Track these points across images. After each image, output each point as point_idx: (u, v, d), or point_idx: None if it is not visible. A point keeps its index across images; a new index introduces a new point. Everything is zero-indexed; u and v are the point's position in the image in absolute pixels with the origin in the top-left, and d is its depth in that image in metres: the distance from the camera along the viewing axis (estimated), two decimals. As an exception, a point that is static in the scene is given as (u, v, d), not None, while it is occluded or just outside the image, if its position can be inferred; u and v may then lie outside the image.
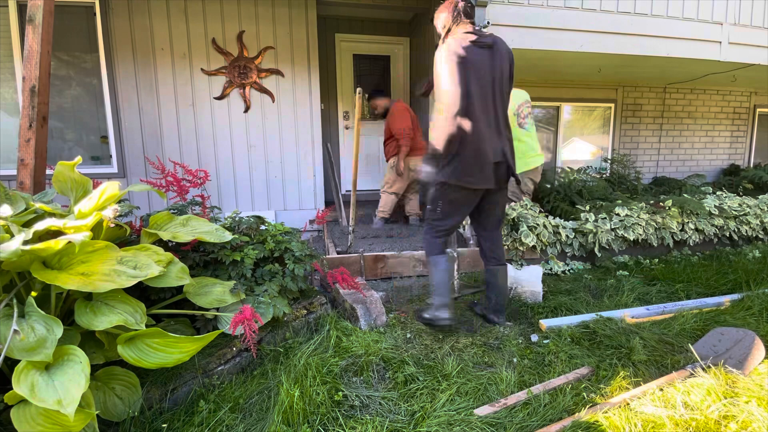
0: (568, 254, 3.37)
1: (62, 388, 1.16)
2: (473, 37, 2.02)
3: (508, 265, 2.73)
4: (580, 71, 4.99)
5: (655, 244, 3.51)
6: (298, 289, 2.21)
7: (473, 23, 2.10)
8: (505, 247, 3.20)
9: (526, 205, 3.41)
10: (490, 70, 2.03)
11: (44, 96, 2.25)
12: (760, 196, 4.14)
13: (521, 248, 3.22)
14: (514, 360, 1.92)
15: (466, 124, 2.01)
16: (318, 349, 1.89)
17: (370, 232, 3.84)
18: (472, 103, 2.00)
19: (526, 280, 2.62)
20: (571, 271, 3.27)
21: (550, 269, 3.22)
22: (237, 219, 2.41)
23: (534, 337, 2.14)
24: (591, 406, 1.54)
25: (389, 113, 3.87)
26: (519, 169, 3.64)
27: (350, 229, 3.17)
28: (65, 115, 3.86)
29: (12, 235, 1.34)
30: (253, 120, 4.13)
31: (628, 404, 1.56)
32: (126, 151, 3.89)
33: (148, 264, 1.54)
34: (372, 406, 1.58)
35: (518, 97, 3.41)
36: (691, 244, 3.63)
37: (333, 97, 5.22)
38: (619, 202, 3.74)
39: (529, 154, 3.54)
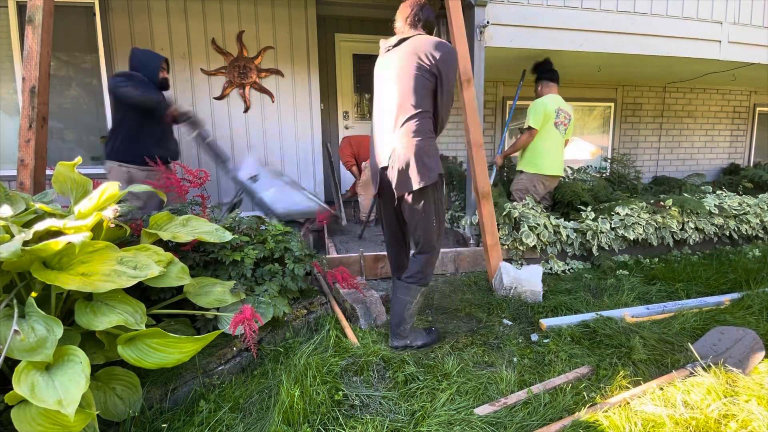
0: (569, 254, 3.37)
1: (62, 389, 1.16)
2: (382, 46, 2.08)
3: (509, 265, 2.73)
4: (580, 70, 4.99)
5: (655, 244, 3.51)
6: (298, 288, 2.21)
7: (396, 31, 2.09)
8: (506, 246, 3.20)
9: (528, 204, 3.41)
10: (389, 70, 1.98)
11: (44, 96, 2.25)
12: (760, 195, 4.14)
13: (521, 248, 3.22)
14: (514, 359, 1.92)
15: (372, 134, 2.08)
16: (318, 348, 1.89)
17: (369, 233, 3.84)
18: (373, 112, 2.08)
19: (526, 279, 2.62)
20: (571, 270, 3.27)
21: (550, 269, 3.22)
22: (237, 219, 2.41)
23: (534, 337, 2.14)
24: (591, 406, 1.55)
25: None
26: (526, 168, 3.66)
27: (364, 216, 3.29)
28: (65, 115, 3.86)
29: (12, 236, 1.34)
30: (253, 120, 4.13)
31: (628, 403, 1.56)
32: (126, 151, 3.88)
33: (148, 264, 1.54)
34: (372, 405, 1.58)
35: (560, 103, 3.61)
36: (691, 243, 3.63)
37: (333, 97, 5.22)
38: (620, 201, 3.74)
39: (543, 158, 3.61)
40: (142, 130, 2.78)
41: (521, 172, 3.71)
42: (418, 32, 1.99)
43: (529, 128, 3.54)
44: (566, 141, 3.79)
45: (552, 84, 3.68)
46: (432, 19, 2.07)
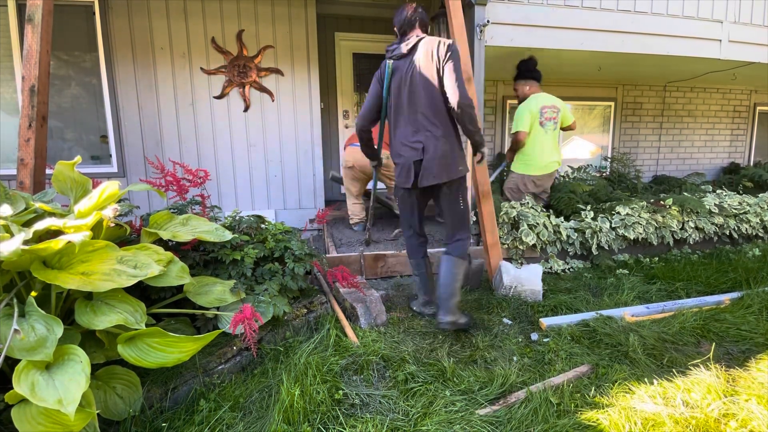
0: (569, 253, 3.37)
1: (63, 388, 1.16)
2: (386, 52, 2.29)
3: (509, 264, 2.73)
4: (580, 70, 4.99)
5: (655, 243, 3.51)
6: (298, 288, 2.21)
7: (401, 35, 2.26)
8: (505, 246, 3.20)
9: (527, 203, 3.41)
10: (404, 75, 2.17)
11: (44, 96, 2.25)
12: (760, 195, 4.14)
13: (521, 247, 3.22)
14: (514, 358, 1.93)
15: (391, 132, 2.30)
16: (318, 347, 1.89)
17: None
18: (389, 113, 2.29)
19: (526, 278, 2.62)
20: (571, 269, 3.27)
21: (550, 268, 3.22)
22: (237, 218, 2.41)
23: (534, 336, 2.14)
24: (591, 404, 1.55)
25: None
26: (515, 168, 3.69)
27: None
28: (65, 114, 3.86)
29: (12, 235, 1.34)
30: (253, 119, 4.13)
31: (628, 402, 1.56)
32: (126, 150, 3.88)
33: (148, 263, 1.54)
34: (372, 404, 1.58)
35: (543, 100, 3.63)
36: (691, 242, 3.63)
37: (333, 96, 5.22)
38: (621, 201, 3.74)
39: (530, 158, 3.64)
40: None
41: (512, 172, 3.79)
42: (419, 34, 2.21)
43: (517, 133, 3.61)
44: (569, 127, 3.81)
45: (534, 82, 3.71)
46: (427, 20, 2.26)
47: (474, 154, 2.40)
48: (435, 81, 2.08)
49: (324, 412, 1.49)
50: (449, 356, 1.92)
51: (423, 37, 2.15)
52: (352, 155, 3.64)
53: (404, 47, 2.15)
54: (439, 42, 2.08)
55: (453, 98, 2.02)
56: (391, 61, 2.21)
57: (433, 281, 2.42)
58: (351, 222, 3.88)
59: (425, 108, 2.12)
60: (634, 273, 3.09)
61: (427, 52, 2.09)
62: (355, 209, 3.84)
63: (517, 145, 3.67)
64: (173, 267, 1.73)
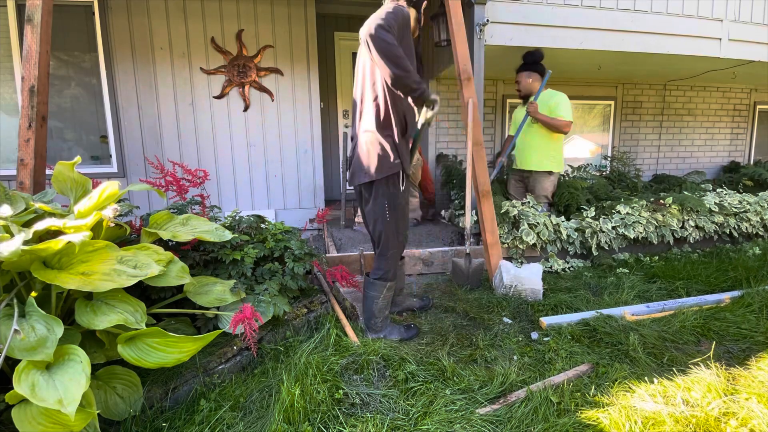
0: (569, 252, 3.37)
1: (63, 388, 1.16)
2: None
3: (509, 263, 2.73)
4: (580, 69, 4.98)
5: (656, 242, 3.51)
6: (298, 287, 2.21)
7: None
8: (505, 245, 3.20)
9: (528, 203, 3.40)
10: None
11: (43, 96, 2.25)
12: (760, 193, 4.14)
13: (521, 246, 3.21)
14: (515, 357, 1.93)
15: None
16: (318, 347, 1.89)
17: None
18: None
19: (527, 277, 2.62)
20: (572, 268, 3.27)
21: (550, 267, 3.22)
22: (237, 218, 2.41)
23: (534, 335, 2.14)
24: (591, 403, 1.55)
25: None
26: (555, 168, 3.59)
27: None
28: (65, 114, 3.86)
29: (12, 235, 1.34)
30: (253, 119, 4.13)
31: (628, 401, 1.56)
32: (126, 150, 3.88)
33: (148, 263, 1.54)
34: (372, 404, 1.58)
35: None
36: (692, 241, 3.63)
37: (333, 96, 5.22)
38: (621, 200, 3.74)
39: (562, 153, 3.57)
40: None
41: (550, 173, 3.56)
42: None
43: (569, 123, 3.36)
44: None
45: (537, 76, 3.55)
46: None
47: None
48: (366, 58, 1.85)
49: (324, 411, 1.49)
50: (449, 355, 1.92)
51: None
52: None
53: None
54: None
55: (362, 32, 1.76)
56: None
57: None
58: (357, 220, 3.89)
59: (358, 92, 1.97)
60: (634, 272, 3.09)
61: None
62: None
63: (560, 132, 3.40)
64: (173, 267, 1.73)
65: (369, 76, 1.91)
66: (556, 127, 3.37)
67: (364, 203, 2.06)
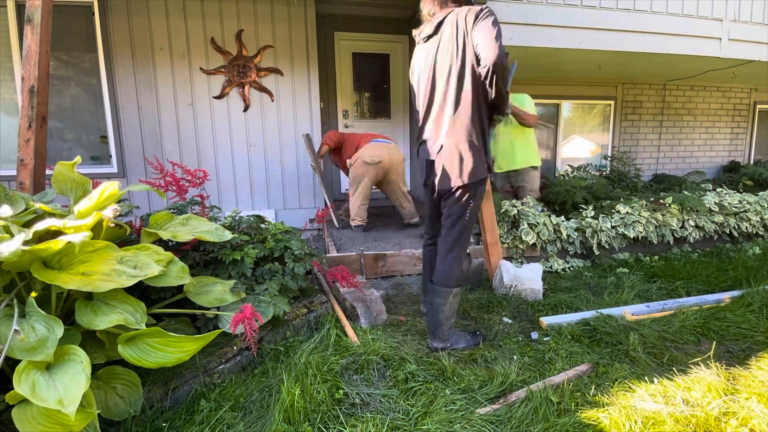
0: (569, 252, 3.37)
1: (63, 388, 1.16)
2: (416, 34, 1.99)
3: (509, 263, 2.73)
4: (580, 68, 4.99)
5: (656, 242, 3.51)
6: (298, 287, 2.21)
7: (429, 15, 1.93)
8: (505, 245, 3.20)
9: (528, 203, 3.40)
10: (428, 63, 1.91)
11: (43, 96, 2.24)
12: (760, 193, 4.14)
13: (521, 246, 3.22)
14: (515, 357, 1.93)
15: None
16: (318, 347, 1.89)
17: (370, 234, 3.84)
18: (416, 109, 2.04)
19: (526, 277, 2.62)
20: (572, 268, 3.27)
21: (550, 267, 3.22)
22: (237, 218, 2.41)
23: (534, 335, 2.14)
24: (591, 403, 1.55)
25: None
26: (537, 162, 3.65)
27: None
28: (65, 115, 3.86)
29: (12, 236, 1.34)
30: (253, 119, 4.13)
31: (628, 401, 1.56)
32: (126, 150, 3.89)
33: (148, 263, 1.54)
34: (373, 404, 1.58)
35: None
36: (691, 241, 3.63)
37: (332, 96, 5.22)
38: (621, 199, 3.74)
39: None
40: None
41: (533, 168, 3.62)
42: (450, 8, 1.85)
43: (534, 116, 3.48)
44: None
45: None
46: None
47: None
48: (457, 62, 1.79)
49: (324, 411, 1.49)
50: (449, 355, 1.92)
51: (452, 11, 1.83)
52: (379, 150, 3.58)
53: (429, 27, 1.90)
54: (468, 9, 1.76)
55: (488, 55, 1.66)
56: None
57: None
58: (353, 224, 3.85)
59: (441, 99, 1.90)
60: (634, 272, 3.09)
61: (452, 26, 1.78)
62: (361, 212, 3.79)
63: (529, 124, 3.45)
64: (173, 267, 1.73)
65: (457, 82, 1.82)
66: (526, 119, 3.43)
67: (437, 207, 2.04)
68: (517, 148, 3.59)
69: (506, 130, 3.58)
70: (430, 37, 1.92)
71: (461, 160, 1.86)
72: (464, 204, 1.91)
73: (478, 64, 1.74)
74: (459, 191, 1.90)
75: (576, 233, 3.33)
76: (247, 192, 4.23)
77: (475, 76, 1.79)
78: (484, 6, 1.75)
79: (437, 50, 1.87)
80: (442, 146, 1.90)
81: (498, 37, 1.68)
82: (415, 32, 2.02)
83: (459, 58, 1.79)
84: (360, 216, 3.79)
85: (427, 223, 2.25)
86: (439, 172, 1.93)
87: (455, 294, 1.98)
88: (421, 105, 2.00)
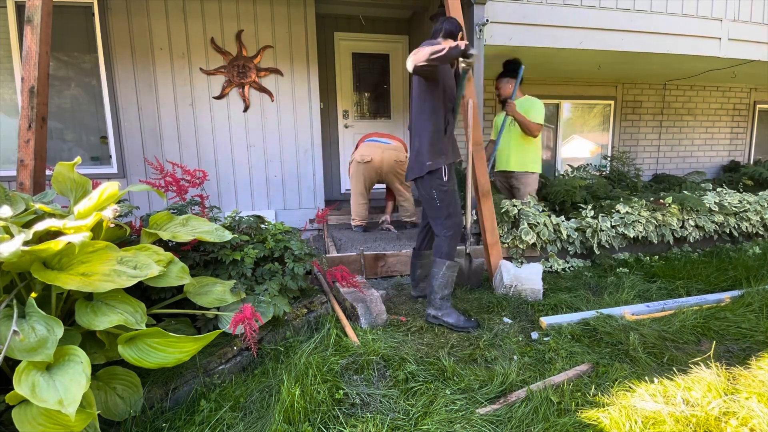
0: (569, 252, 3.37)
1: (63, 388, 1.16)
2: None
3: (509, 263, 2.73)
4: (580, 68, 4.99)
5: (656, 241, 3.51)
6: (298, 287, 2.21)
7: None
8: (505, 245, 3.20)
9: (529, 203, 3.40)
10: None
11: (43, 97, 2.25)
12: (760, 193, 4.14)
13: (521, 246, 3.22)
14: (515, 357, 1.93)
15: None
16: (318, 347, 1.89)
17: (370, 234, 3.84)
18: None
19: (527, 277, 2.62)
20: (572, 268, 3.27)
21: (550, 267, 3.22)
22: (237, 218, 2.41)
23: (534, 335, 2.14)
24: (591, 403, 1.55)
25: None
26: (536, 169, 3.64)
27: None
28: (65, 115, 3.86)
29: (12, 236, 1.34)
30: (253, 119, 4.13)
31: (628, 400, 1.56)
32: (125, 151, 3.89)
33: (148, 264, 1.54)
34: (373, 404, 1.58)
35: None
36: (692, 240, 3.63)
37: (332, 96, 5.22)
38: (621, 199, 3.74)
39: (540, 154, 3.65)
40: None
41: (531, 173, 3.60)
42: None
43: (541, 126, 3.45)
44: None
45: (514, 81, 3.57)
46: (455, 29, 2.34)
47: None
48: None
49: (325, 411, 1.49)
50: (449, 355, 1.92)
51: None
52: (370, 150, 3.58)
53: None
54: None
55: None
56: None
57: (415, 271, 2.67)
58: (353, 224, 3.86)
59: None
60: (634, 272, 3.09)
61: None
62: (359, 210, 3.80)
63: (531, 134, 3.47)
64: (173, 267, 1.73)
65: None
66: (528, 127, 3.43)
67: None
68: (512, 151, 3.60)
69: (509, 131, 3.58)
70: None
71: None
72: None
73: None
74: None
75: (576, 233, 3.33)
76: (247, 192, 4.23)
77: None
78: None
79: None
80: None
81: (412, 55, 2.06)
82: None
83: None
84: (359, 215, 3.79)
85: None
86: None
87: (448, 266, 2.29)
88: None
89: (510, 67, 3.59)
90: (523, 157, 3.58)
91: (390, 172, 3.67)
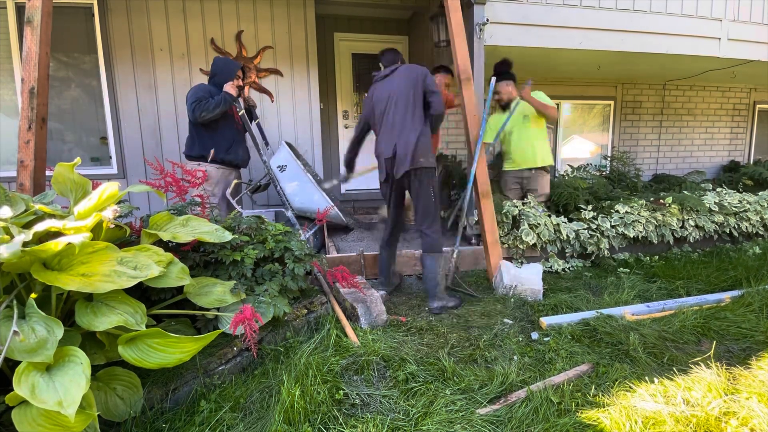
0: (569, 252, 3.37)
1: (63, 389, 1.16)
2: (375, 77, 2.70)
3: (509, 263, 2.73)
4: (580, 68, 4.99)
5: (656, 242, 3.51)
6: (298, 288, 2.21)
7: (385, 66, 2.69)
8: (506, 245, 3.20)
9: (529, 203, 3.40)
10: (386, 92, 2.55)
11: (43, 97, 2.25)
12: (759, 193, 4.14)
13: (521, 246, 3.21)
14: (515, 357, 1.92)
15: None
16: (318, 348, 1.89)
17: (370, 235, 3.83)
18: (373, 122, 2.65)
19: (527, 278, 2.62)
20: (572, 269, 3.27)
21: (551, 267, 3.22)
22: (237, 219, 2.41)
23: (534, 335, 2.14)
24: (591, 403, 1.55)
25: None
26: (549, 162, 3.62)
27: None
28: (65, 116, 3.86)
29: (12, 237, 1.34)
30: (253, 120, 4.12)
31: (628, 401, 1.56)
32: (125, 151, 3.89)
33: (148, 264, 1.54)
34: (373, 404, 1.58)
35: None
36: (691, 240, 3.63)
37: (332, 97, 5.22)
38: (620, 199, 3.74)
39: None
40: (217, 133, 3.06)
41: (545, 168, 3.57)
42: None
43: (554, 107, 3.42)
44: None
45: (512, 82, 3.55)
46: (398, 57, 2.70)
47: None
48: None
49: (325, 412, 1.49)
50: (449, 356, 1.92)
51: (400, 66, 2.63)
52: None
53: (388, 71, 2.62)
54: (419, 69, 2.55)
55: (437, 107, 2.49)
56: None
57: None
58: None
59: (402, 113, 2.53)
60: (634, 272, 3.09)
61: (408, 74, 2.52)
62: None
63: (551, 116, 3.43)
64: (173, 268, 1.73)
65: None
66: (546, 110, 3.38)
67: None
68: (535, 148, 3.51)
69: (524, 128, 3.51)
70: (384, 78, 2.68)
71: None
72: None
73: None
74: None
75: (580, 235, 3.33)
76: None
77: None
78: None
79: None
80: None
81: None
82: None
83: None
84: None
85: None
86: None
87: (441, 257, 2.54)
88: None
89: (505, 68, 3.54)
90: (544, 153, 3.54)
91: None
